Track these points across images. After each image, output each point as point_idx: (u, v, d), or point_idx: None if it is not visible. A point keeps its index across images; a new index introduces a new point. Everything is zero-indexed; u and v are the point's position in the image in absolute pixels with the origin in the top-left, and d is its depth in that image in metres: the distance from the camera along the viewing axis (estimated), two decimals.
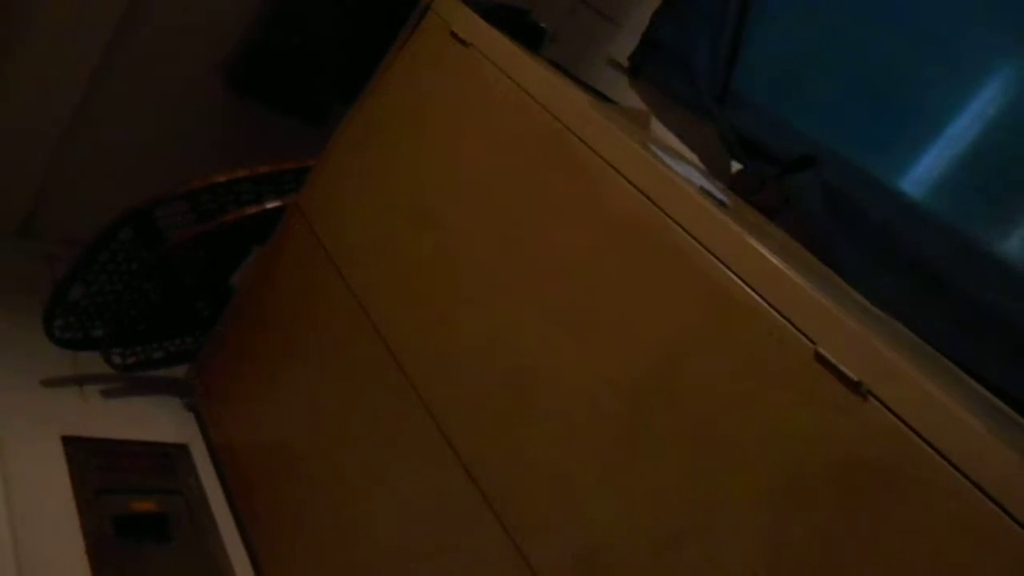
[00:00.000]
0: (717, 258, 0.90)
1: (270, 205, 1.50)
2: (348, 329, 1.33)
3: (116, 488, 1.38)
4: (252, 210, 1.49)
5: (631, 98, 1.85)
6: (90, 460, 1.39)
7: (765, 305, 0.85)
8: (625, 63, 1.84)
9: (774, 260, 0.87)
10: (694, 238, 0.93)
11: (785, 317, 0.84)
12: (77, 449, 1.38)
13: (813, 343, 0.81)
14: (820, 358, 0.80)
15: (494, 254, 1.14)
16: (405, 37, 1.38)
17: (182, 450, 1.56)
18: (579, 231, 1.05)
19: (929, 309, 1.28)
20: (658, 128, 1.73)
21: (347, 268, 1.36)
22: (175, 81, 1.73)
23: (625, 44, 1.90)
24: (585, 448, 0.97)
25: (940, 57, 1.41)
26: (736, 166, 1.61)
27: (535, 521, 1.00)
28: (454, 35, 1.27)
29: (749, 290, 0.87)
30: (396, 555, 1.16)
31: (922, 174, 1.42)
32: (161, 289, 1.51)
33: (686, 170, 1.20)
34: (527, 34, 1.51)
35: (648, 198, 0.98)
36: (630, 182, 1.00)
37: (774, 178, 1.50)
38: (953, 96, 1.38)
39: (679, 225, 0.94)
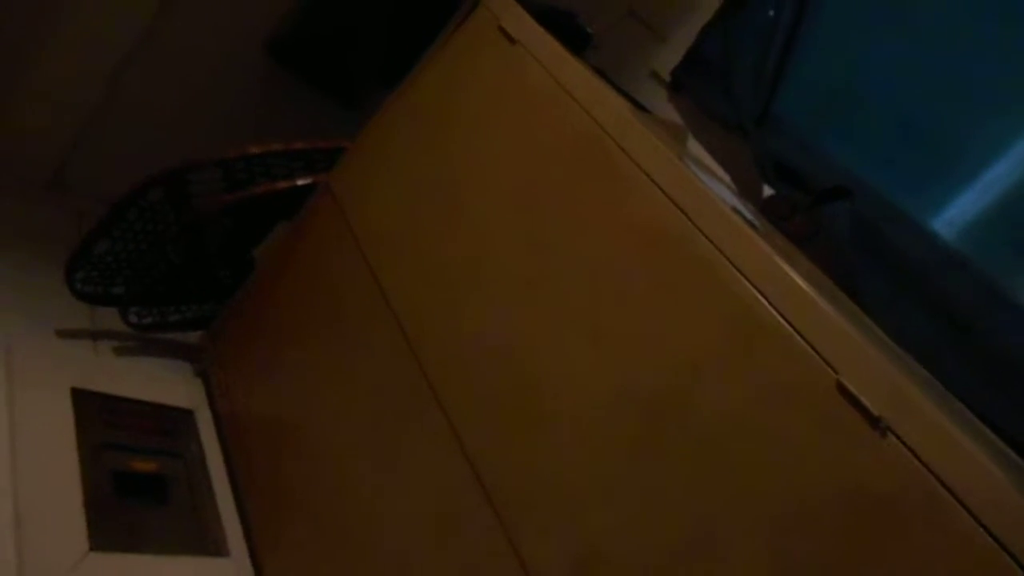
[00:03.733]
0: (746, 278, 0.89)
1: (301, 182, 1.50)
2: (367, 313, 1.33)
3: (119, 445, 1.39)
4: (283, 185, 1.50)
5: (669, 113, 1.84)
6: (97, 414, 1.39)
7: (790, 330, 0.85)
8: (667, 77, 1.84)
9: (804, 285, 0.86)
10: (724, 255, 0.92)
11: (810, 343, 0.83)
12: (85, 402, 1.39)
13: (836, 373, 0.80)
14: (842, 389, 0.79)
15: (520, 253, 1.13)
16: (452, 28, 1.38)
17: (187, 415, 1.56)
18: (608, 238, 1.04)
19: (950, 353, 1.27)
20: (693, 145, 1.72)
21: (371, 252, 1.36)
22: (220, 50, 1.74)
23: (668, 58, 1.89)
24: (593, 456, 0.96)
25: (984, 100, 1.39)
26: (768, 191, 1.61)
27: (535, 522, 0.99)
28: (502, 31, 1.27)
29: (775, 313, 0.86)
30: (391, 540, 1.16)
31: (955, 216, 1.41)
32: (184, 253, 1.52)
33: (718, 188, 1.19)
34: (573, 37, 1.51)
35: (682, 211, 0.97)
36: (665, 193, 0.99)
37: (806, 206, 1.49)
38: (994, 141, 1.37)
39: (710, 241, 0.94)
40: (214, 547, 1.35)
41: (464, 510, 1.07)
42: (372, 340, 1.31)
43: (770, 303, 0.87)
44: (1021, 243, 1.37)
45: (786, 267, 0.88)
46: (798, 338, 0.84)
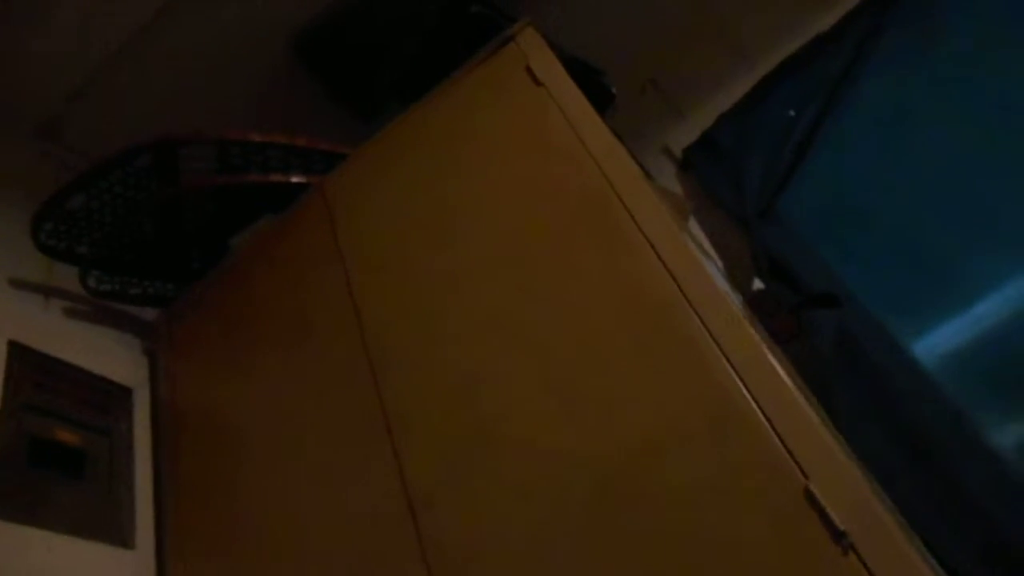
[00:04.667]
0: (729, 361, 0.87)
1: (295, 179, 1.46)
2: (334, 327, 1.28)
3: (45, 409, 1.31)
4: (276, 178, 1.46)
5: (674, 189, 1.84)
6: (30, 373, 1.31)
7: (766, 423, 0.82)
8: (678, 154, 1.85)
9: (787, 380, 0.83)
10: (711, 334, 0.89)
11: (783, 441, 0.80)
12: (21, 357, 1.31)
13: (805, 478, 0.77)
14: (809, 496, 0.75)
15: (505, 295, 1.10)
16: (479, 59, 1.37)
17: (126, 393, 1.48)
18: (596, 296, 1.01)
19: (913, 480, 1.25)
20: (693, 224, 1.72)
21: (352, 264, 1.32)
22: (244, 31, 1.71)
23: (682, 136, 1.90)
24: (540, 519, 0.91)
25: (986, 236, 1.40)
26: (758, 284, 1.60)
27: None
28: (529, 71, 1.26)
29: (753, 402, 0.83)
30: (312, 567, 1.09)
31: (938, 343, 1.41)
32: (159, 226, 1.46)
33: (712, 270, 1.18)
34: (596, 94, 1.50)
35: (676, 282, 0.95)
36: (662, 261, 0.97)
37: (793, 306, 1.48)
38: (989, 276, 1.38)
39: (699, 317, 0.91)
40: (120, 537, 1.26)
41: (391, 549, 1.01)
42: (334, 354, 1.25)
43: (749, 391, 0.84)
44: (996, 381, 1.37)
45: (772, 359, 0.85)
46: (772, 433, 0.81)
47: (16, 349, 1.31)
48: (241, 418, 1.34)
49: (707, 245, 1.68)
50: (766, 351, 0.86)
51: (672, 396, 0.90)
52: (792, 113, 1.67)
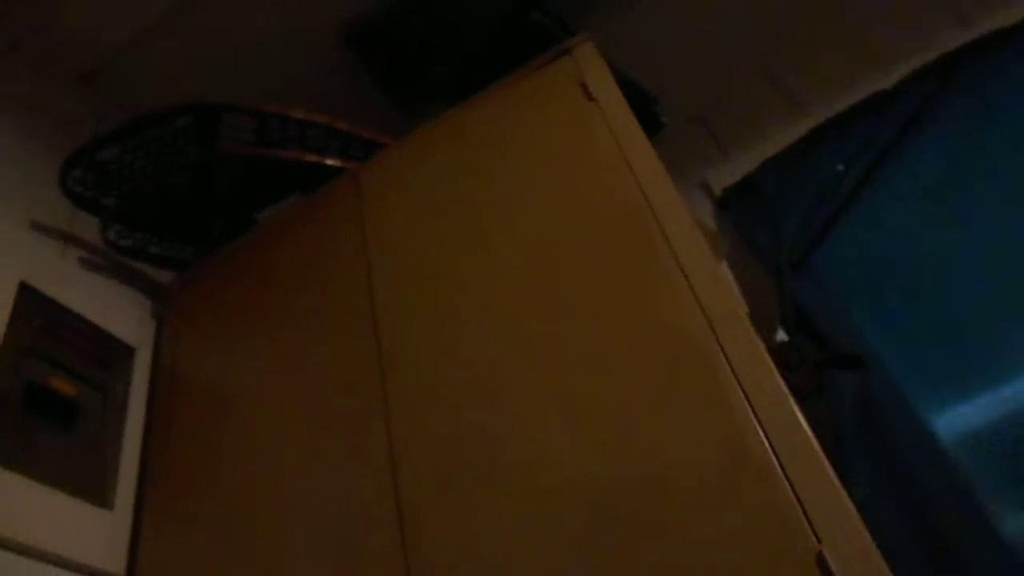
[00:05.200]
0: (753, 409, 0.83)
1: (330, 161, 1.45)
2: (349, 317, 1.25)
3: (46, 356, 1.29)
4: (311, 158, 1.44)
5: (709, 226, 1.81)
6: (35, 317, 1.29)
7: (783, 477, 0.78)
8: (717, 192, 1.82)
9: (811, 436, 0.79)
10: (737, 378, 0.86)
11: (799, 498, 0.76)
12: (30, 300, 1.29)
13: (819, 541, 0.73)
14: (821, 562, 0.71)
15: (526, 305, 1.07)
16: (532, 67, 1.35)
17: (128, 352, 1.46)
18: (621, 320, 0.98)
19: (917, 560, 1.20)
20: (723, 265, 1.68)
21: (376, 255, 1.29)
22: (298, 14, 1.71)
23: (723, 175, 1.88)
24: (531, 542, 0.87)
25: (1021, 317, 1.36)
26: (783, 336, 1.56)
27: None
28: (583, 86, 1.24)
29: (772, 454, 0.79)
30: (287, 552, 1.05)
31: (960, 421, 1.36)
32: (189, 190, 1.45)
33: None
34: (644, 121, 1.48)
35: (707, 319, 0.91)
36: (695, 295, 0.94)
37: (816, 363, 1.44)
38: (1020, 358, 1.33)
39: (727, 359, 0.88)
40: (99, 496, 1.24)
41: (373, 550, 0.98)
42: (345, 344, 1.22)
43: (770, 443, 0.80)
44: (1014, 468, 1.32)
45: (799, 413, 0.81)
46: (788, 489, 0.77)
47: (26, 291, 1.30)
48: (238, 393, 1.31)
49: (735, 288, 1.64)
50: (792, 403, 0.82)
51: (687, 433, 0.86)
52: (840, 167, 1.64)
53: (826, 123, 1.75)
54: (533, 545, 0.87)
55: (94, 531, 1.19)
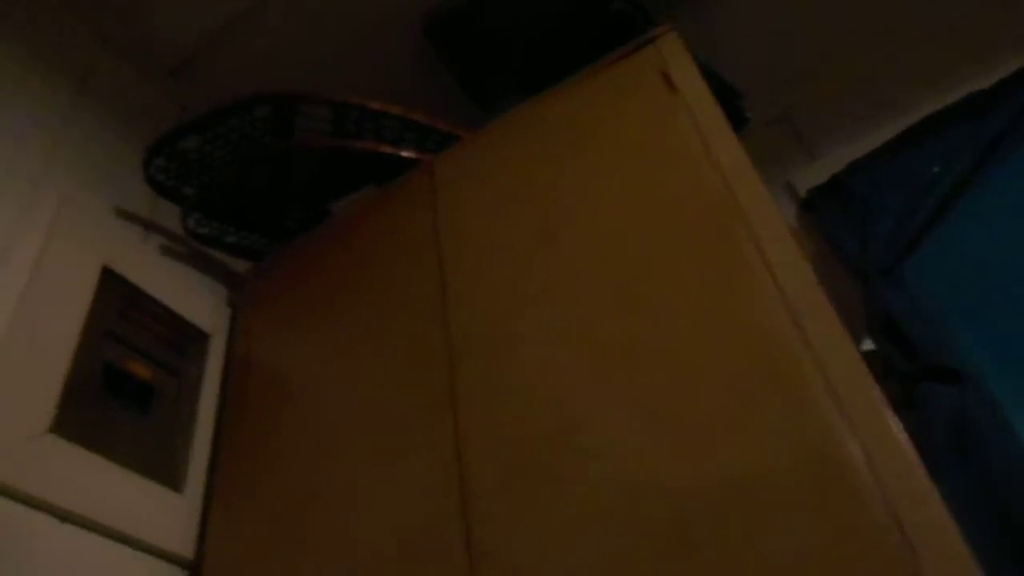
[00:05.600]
0: (847, 419, 0.77)
1: (406, 153, 1.44)
2: (419, 306, 1.24)
3: (124, 339, 1.31)
4: (386, 149, 1.43)
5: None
6: (116, 300, 1.32)
7: (878, 493, 0.72)
8: (802, 193, 1.74)
9: (912, 453, 0.73)
10: (830, 387, 0.80)
11: (896, 519, 0.70)
12: (111, 284, 1.32)
13: (916, 562, 0.67)
14: None
15: (600, 303, 1.03)
16: (613, 58, 1.31)
17: (203, 338, 1.48)
18: (702, 322, 0.93)
19: None
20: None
21: (448, 248, 1.27)
22: (377, 3, 1.71)
23: (808, 176, 1.80)
24: (605, 547, 0.83)
25: None
26: (869, 345, 1.47)
27: None
28: (665, 76, 1.19)
29: (868, 471, 0.73)
30: (348, 545, 1.04)
31: None
32: (265, 180, 1.46)
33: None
34: (729, 116, 1.42)
35: (796, 323, 0.86)
36: (784, 297, 0.88)
37: (906, 375, 1.35)
38: None
39: (819, 366, 0.82)
40: (171, 479, 1.25)
41: (436, 552, 0.95)
42: (415, 335, 1.21)
43: (867, 457, 0.74)
44: None
45: (897, 429, 0.75)
46: (881, 506, 0.71)
47: (108, 275, 1.33)
48: (307, 383, 1.31)
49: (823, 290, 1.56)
50: (889, 413, 0.76)
51: (770, 440, 0.81)
52: (936, 170, 1.54)
53: (922, 122, 1.65)
54: (601, 546, 0.84)
55: (166, 514, 1.20)
